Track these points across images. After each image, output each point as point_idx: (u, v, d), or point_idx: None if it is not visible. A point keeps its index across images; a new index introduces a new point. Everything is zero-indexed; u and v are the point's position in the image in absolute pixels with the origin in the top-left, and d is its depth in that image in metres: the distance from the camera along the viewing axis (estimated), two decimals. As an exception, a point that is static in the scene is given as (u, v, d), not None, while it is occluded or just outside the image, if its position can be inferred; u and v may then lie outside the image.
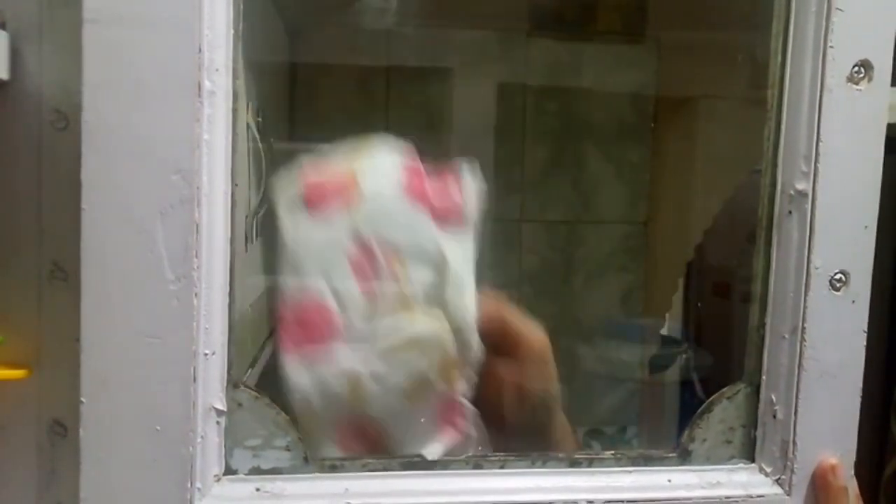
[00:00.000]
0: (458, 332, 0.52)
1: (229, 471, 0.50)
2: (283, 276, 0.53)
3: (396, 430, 0.54)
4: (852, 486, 0.55)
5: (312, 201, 0.53)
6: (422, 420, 0.54)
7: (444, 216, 0.54)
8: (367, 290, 0.52)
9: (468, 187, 0.56)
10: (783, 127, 0.54)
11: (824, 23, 0.52)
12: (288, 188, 0.54)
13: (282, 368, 0.52)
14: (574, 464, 0.55)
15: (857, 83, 0.52)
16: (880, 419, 0.78)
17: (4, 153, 0.51)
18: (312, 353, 0.52)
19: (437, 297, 0.53)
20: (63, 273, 0.52)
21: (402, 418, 0.54)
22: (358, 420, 0.54)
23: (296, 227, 0.53)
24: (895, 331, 0.78)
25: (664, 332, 1.10)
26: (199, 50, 0.46)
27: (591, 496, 0.53)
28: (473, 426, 0.55)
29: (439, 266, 0.53)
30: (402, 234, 0.53)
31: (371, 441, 0.54)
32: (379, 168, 0.55)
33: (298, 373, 0.52)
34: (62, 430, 0.53)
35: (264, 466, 0.51)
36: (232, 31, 0.48)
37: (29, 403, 0.53)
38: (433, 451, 0.53)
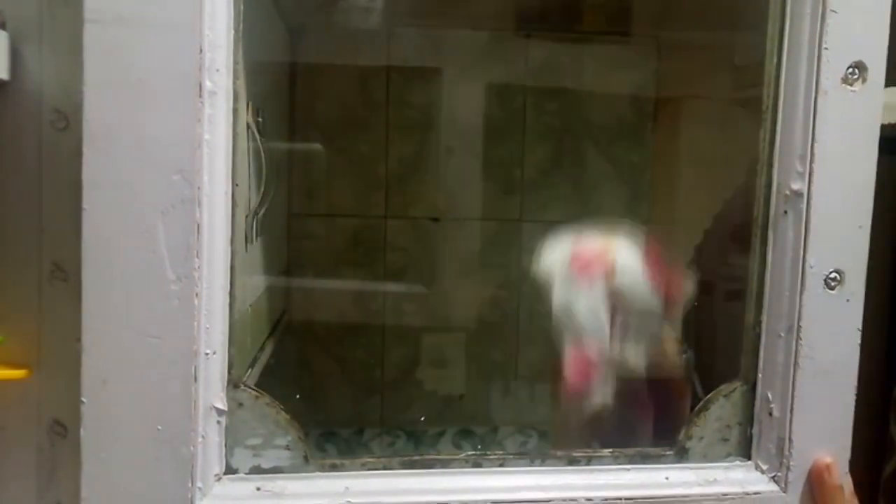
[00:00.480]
0: None
1: (230, 470, 0.50)
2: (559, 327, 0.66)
3: None
4: (847, 484, 0.56)
5: (579, 271, 0.67)
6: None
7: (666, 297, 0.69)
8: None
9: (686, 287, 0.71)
10: (778, 127, 0.55)
11: (819, 25, 0.52)
12: (558, 258, 0.68)
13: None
14: (573, 462, 0.55)
15: (851, 84, 0.53)
16: (880, 419, 0.78)
17: (4, 153, 0.51)
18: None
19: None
20: (63, 273, 0.52)
21: None
22: None
23: (566, 292, 0.66)
24: (895, 331, 0.78)
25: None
26: (201, 50, 0.46)
27: (589, 494, 0.53)
28: None
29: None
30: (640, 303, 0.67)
31: None
32: (629, 251, 0.68)
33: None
34: (62, 430, 0.53)
35: (265, 466, 0.51)
36: (233, 32, 0.48)
37: (29, 403, 0.53)
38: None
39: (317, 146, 0.97)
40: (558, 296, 0.67)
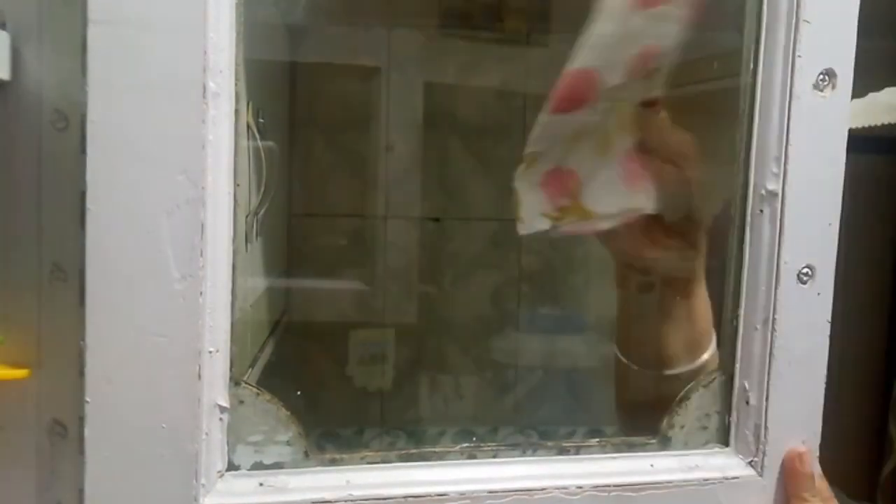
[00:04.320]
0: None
1: (232, 466, 0.51)
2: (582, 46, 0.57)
3: (589, 180, 0.64)
4: (817, 470, 0.59)
5: None
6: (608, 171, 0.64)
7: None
8: (627, 78, 0.59)
9: None
10: (755, 130, 0.58)
11: (793, 34, 0.55)
12: None
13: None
14: (563, 452, 0.58)
15: (821, 90, 0.56)
16: (879, 419, 0.81)
17: (4, 153, 0.51)
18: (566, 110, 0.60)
19: None
20: (63, 273, 0.52)
21: (592, 169, 0.64)
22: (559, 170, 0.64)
23: (613, 6, 0.56)
24: (894, 330, 0.80)
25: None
26: (204, 52, 0.46)
27: (580, 482, 0.55)
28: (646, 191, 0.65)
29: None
30: (673, 44, 0.59)
31: (569, 192, 0.64)
32: None
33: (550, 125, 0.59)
34: (62, 430, 0.53)
35: (266, 461, 0.52)
36: (235, 34, 0.49)
37: (29, 403, 0.52)
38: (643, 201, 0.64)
39: (316, 146, 0.97)
40: (602, 14, 0.56)
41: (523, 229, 0.65)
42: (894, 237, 0.80)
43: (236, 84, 0.49)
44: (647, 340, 0.72)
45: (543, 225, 0.65)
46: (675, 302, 0.71)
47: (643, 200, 0.65)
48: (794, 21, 0.55)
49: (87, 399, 0.46)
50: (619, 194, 0.65)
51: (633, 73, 0.59)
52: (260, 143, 0.59)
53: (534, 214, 0.65)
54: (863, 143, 0.55)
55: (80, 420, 0.47)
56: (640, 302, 0.74)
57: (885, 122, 0.55)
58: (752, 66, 0.57)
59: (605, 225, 0.66)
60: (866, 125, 0.54)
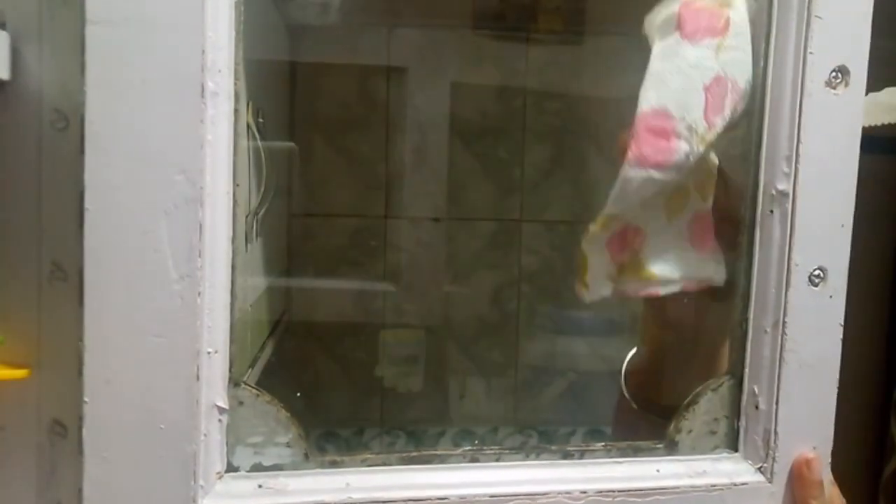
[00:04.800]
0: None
1: (231, 468, 0.51)
2: (643, 91, 0.55)
3: (655, 239, 0.60)
4: (827, 476, 0.58)
5: (685, 26, 0.55)
6: (676, 231, 0.60)
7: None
8: (709, 121, 0.56)
9: None
10: (765, 129, 0.56)
11: (804, 30, 0.54)
12: (663, 11, 0.57)
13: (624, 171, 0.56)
14: (567, 456, 0.57)
15: (834, 88, 0.55)
16: (880, 420, 0.80)
17: (4, 153, 0.51)
18: (652, 165, 0.56)
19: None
20: (63, 273, 0.52)
21: (660, 227, 0.60)
22: (627, 228, 0.60)
23: (665, 45, 0.55)
24: (894, 331, 0.79)
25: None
26: (203, 51, 0.46)
27: (584, 486, 0.54)
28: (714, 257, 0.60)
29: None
30: (746, 80, 0.56)
31: (631, 248, 0.61)
32: (747, 11, 0.57)
33: (632, 181, 0.55)
34: (62, 430, 0.53)
35: (266, 463, 0.51)
36: (234, 33, 0.48)
37: (29, 403, 0.53)
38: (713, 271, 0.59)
39: (316, 146, 0.97)
40: (657, 52, 0.56)
41: (587, 296, 0.61)
42: (894, 237, 0.78)
43: (236, 83, 0.49)
44: (663, 389, 0.70)
45: (607, 291, 0.61)
46: (702, 356, 0.66)
47: (712, 270, 0.61)
48: (805, 16, 0.54)
49: (86, 399, 0.46)
50: (685, 259, 0.61)
51: (713, 112, 0.56)
52: (260, 144, 0.59)
53: (599, 280, 0.61)
54: (863, 143, 0.54)
55: (80, 420, 0.47)
56: (662, 356, 0.71)
57: (885, 122, 0.54)
58: (762, 62, 0.56)
59: (664, 290, 0.61)
60: (866, 125, 0.53)
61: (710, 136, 0.56)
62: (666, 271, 0.61)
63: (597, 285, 0.61)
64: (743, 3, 0.57)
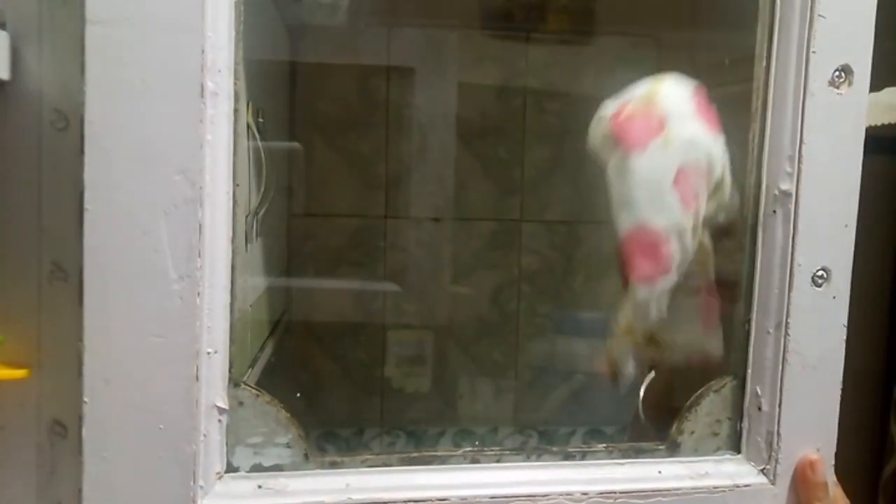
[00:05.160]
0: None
1: (231, 468, 0.51)
2: (616, 213, 0.56)
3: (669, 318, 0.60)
4: (831, 477, 0.57)
5: (625, 139, 0.55)
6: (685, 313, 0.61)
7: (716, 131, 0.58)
8: (689, 211, 0.56)
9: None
10: (768, 129, 0.56)
11: (807, 29, 0.54)
12: (598, 130, 0.57)
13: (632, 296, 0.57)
14: (568, 457, 0.56)
15: (837, 87, 0.54)
16: (880, 420, 0.79)
17: (4, 153, 0.51)
18: (657, 281, 0.57)
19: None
20: (63, 273, 0.52)
21: (673, 309, 0.60)
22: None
23: (616, 164, 0.56)
24: (894, 331, 0.79)
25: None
26: (202, 51, 0.46)
27: (585, 488, 0.54)
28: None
29: (722, 181, 0.58)
30: (705, 155, 0.57)
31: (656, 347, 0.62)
32: (677, 96, 0.58)
33: (644, 300, 0.57)
34: (62, 430, 0.53)
35: (266, 464, 0.51)
36: (234, 33, 0.48)
37: (29, 403, 0.53)
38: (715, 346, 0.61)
39: (316, 146, 0.97)
40: (612, 172, 0.56)
41: (621, 387, 0.63)
42: (894, 237, 0.78)
43: (235, 83, 0.49)
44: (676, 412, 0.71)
45: (631, 371, 0.63)
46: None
47: (714, 344, 0.63)
48: (808, 15, 0.53)
49: (86, 399, 0.46)
50: (691, 333, 0.63)
51: (689, 202, 0.56)
52: (260, 144, 0.59)
53: (625, 367, 0.63)
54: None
55: (80, 420, 0.46)
56: (676, 381, 0.72)
57: (885, 123, 0.54)
58: (764, 61, 0.56)
59: (667, 354, 0.63)
60: (866, 125, 0.53)
61: (697, 223, 0.57)
62: (670, 336, 0.62)
63: (625, 373, 0.63)
64: (666, 84, 0.58)
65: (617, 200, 0.56)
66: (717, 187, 0.57)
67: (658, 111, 0.56)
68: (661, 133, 0.56)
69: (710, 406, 0.58)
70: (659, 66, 1.07)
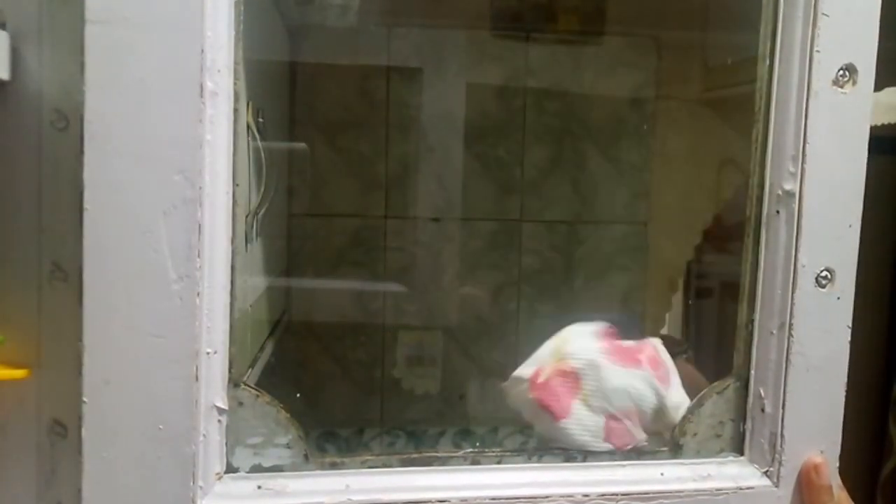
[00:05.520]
0: None
1: (230, 469, 0.51)
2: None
3: None
4: (836, 479, 0.57)
5: (549, 407, 0.58)
6: None
7: (654, 369, 0.61)
8: (630, 435, 0.59)
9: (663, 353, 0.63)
10: (771, 128, 0.56)
11: (811, 28, 0.53)
12: (519, 395, 0.60)
13: None
14: (569, 458, 0.56)
15: (841, 86, 0.54)
16: (879, 419, 0.79)
17: (4, 153, 0.51)
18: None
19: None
20: (63, 273, 0.52)
21: None
22: None
23: (547, 430, 0.58)
24: (894, 330, 0.78)
25: (664, 331, 1.11)
26: (202, 51, 0.46)
27: (586, 490, 0.54)
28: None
29: (661, 407, 0.60)
30: (629, 398, 0.59)
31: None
32: (584, 348, 0.60)
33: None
34: (62, 430, 0.53)
35: (265, 464, 0.51)
36: (233, 32, 0.48)
37: (29, 403, 0.53)
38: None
39: (316, 146, 0.97)
40: (542, 433, 0.59)
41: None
42: (894, 237, 0.77)
43: (235, 83, 0.49)
44: None
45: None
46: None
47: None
48: (812, 14, 0.53)
49: (86, 399, 0.46)
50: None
51: (624, 443, 0.58)
52: (260, 144, 0.59)
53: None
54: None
55: (80, 420, 0.46)
56: None
57: (885, 123, 0.53)
58: (767, 60, 0.55)
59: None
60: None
61: (640, 434, 0.59)
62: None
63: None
64: (572, 339, 0.61)
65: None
66: (657, 413, 0.59)
67: (570, 369, 0.59)
68: (580, 392, 0.58)
69: (713, 407, 0.58)
70: (659, 66, 1.06)
